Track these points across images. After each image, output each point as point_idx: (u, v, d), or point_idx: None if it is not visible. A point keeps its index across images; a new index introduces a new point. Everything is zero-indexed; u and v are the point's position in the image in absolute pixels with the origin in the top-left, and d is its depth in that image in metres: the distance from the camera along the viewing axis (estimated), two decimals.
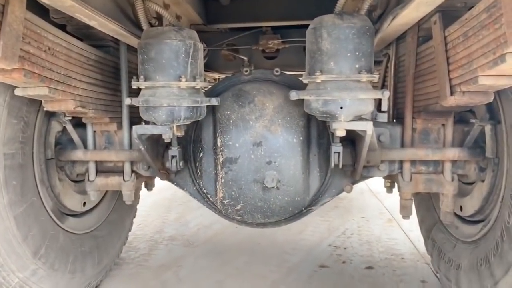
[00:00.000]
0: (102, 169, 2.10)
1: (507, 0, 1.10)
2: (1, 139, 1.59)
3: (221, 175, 1.83)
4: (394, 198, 4.02)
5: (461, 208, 1.98)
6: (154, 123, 1.65)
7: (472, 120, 1.77)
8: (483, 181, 1.80)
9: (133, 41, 1.84)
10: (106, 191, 2.43)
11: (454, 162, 1.88)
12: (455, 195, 1.91)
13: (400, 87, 2.05)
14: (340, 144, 1.68)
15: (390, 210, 4.06)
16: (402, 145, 1.92)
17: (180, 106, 1.59)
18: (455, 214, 2.04)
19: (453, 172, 1.90)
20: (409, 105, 1.88)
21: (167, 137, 1.66)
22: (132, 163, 2.06)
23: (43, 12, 1.59)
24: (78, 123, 2.03)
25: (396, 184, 2.12)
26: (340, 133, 1.56)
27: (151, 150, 1.79)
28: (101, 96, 1.88)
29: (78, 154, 2.02)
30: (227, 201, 1.86)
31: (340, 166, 1.69)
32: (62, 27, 1.72)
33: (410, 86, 1.88)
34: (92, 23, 1.54)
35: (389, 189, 2.22)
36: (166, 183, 2.11)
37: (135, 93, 1.76)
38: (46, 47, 1.46)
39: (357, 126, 1.54)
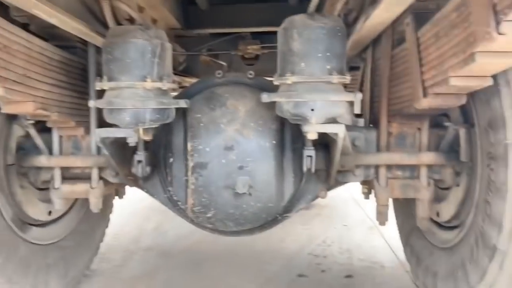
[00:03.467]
0: (69, 176, 2.01)
1: None
2: None
3: (191, 181, 1.75)
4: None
5: (437, 214, 1.94)
6: (118, 126, 1.58)
7: (447, 124, 1.75)
8: (458, 185, 1.77)
9: (100, 42, 1.77)
10: (75, 200, 2.33)
11: (430, 166, 1.85)
12: (432, 200, 1.87)
13: (377, 91, 2.02)
14: (313, 148, 1.63)
15: (372, 218, 4.02)
16: (378, 149, 1.88)
17: (146, 108, 1.52)
18: (432, 220, 2.00)
19: (429, 177, 1.86)
20: (384, 109, 1.84)
21: (132, 141, 1.58)
22: (100, 169, 1.97)
23: (2, 10, 1.51)
24: (44, 128, 1.94)
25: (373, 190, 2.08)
26: (312, 136, 1.51)
27: (117, 155, 1.71)
28: (66, 98, 1.80)
29: (42, 160, 1.92)
30: (197, 208, 1.79)
31: (313, 170, 1.63)
32: (24, 26, 1.65)
33: (385, 89, 1.85)
34: (52, 20, 1.46)
35: (366, 195, 2.17)
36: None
37: None
38: (1, 44, 1.38)
39: (329, 129, 1.49)
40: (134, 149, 1.86)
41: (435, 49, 1.39)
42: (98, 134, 1.56)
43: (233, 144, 1.72)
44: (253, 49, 2.94)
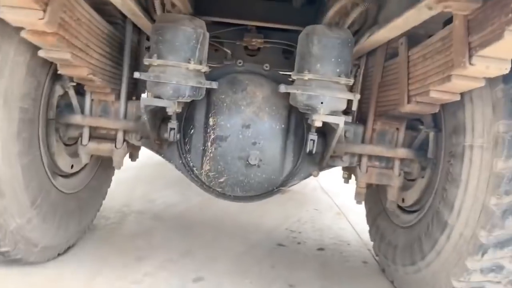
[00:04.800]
0: (95, 135, 2.27)
1: (456, 35, 1.48)
2: (19, 93, 1.75)
3: (210, 151, 2.09)
4: (342, 196, 4.46)
5: (403, 200, 2.39)
6: (159, 97, 1.88)
7: (421, 127, 2.18)
8: (423, 177, 2.22)
9: (142, 22, 2.05)
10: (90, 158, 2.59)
11: (402, 160, 2.28)
12: (400, 188, 2.31)
13: (366, 94, 2.43)
14: (316, 133, 2.01)
15: (339, 205, 4.50)
16: (363, 142, 2.29)
17: (187, 85, 1.83)
18: (397, 205, 2.45)
19: (400, 169, 2.29)
20: (372, 109, 2.25)
21: (170, 111, 1.89)
22: (124, 132, 2.26)
23: None
24: (77, 91, 2.20)
25: (352, 176, 2.50)
26: (318, 123, 1.89)
27: (151, 122, 2.01)
28: (107, 67, 2.07)
29: (77, 118, 2.18)
30: (212, 173, 2.13)
31: (314, 152, 2.02)
32: None
33: (375, 93, 2.25)
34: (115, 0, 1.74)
35: (346, 180, 2.59)
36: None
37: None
38: (76, 17, 1.64)
39: (333, 119, 1.87)
40: (162, 119, 2.17)
41: (421, 67, 1.80)
42: (142, 101, 1.86)
43: (250, 124, 2.07)
44: (257, 42, 3.26)
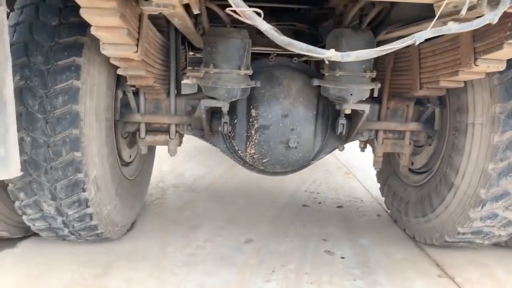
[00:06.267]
0: (150, 129, 2.64)
1: (464, 41, 1.86)
2: (104, 106, 2.09)
3: (255, 137, 2.48)
4: (347, 155, 4.91)
5: (412, 163, 2.86)
6: (215, 99, 2.23)
7: (428, 104, 2.60)
8: (430, 145, 2.67)
9: (189, 32, 2.35)
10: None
11: (412, 132, 2.72)
12: (410, 154, 2.77)
13: (379, 76, 2.80)
14: (345, 118, 2.42)
15: (345, 165, 5.00)
16: (379, 118, 2.70)
17: (238, 88, 2.19)
18: (408, 168, 2.93)
19: (410, 138, 2.74)
20: (386, 91, 2.65)
21: (224, 110, 2.26)
22: (175, 125, 2.62)
23: None
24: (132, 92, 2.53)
25: (368, 145, 2.94)
26: (348, 111, 2.29)
27: (207, 118, 2.39)
28: (161, 72, 2.40)
29: (137, 117, 2.53)
30: (257, 156, 2.54)
31: (344, 133, 2.44)
32: None
33: (388, 77, 2.64)
34: (175, 20, 2.04)
35: (362, 149, 3.03)
36: None
37: None
38: (149, 41, 1.96)
39: (360, 107, 2.27)
40: (211, 114, 2.53)
41: (431, 60, 2.18)
42: (203, 104, 2.22)
43: (288, 113, 2.45)
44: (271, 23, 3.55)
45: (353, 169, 4.84)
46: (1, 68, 1.31)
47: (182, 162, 4.74)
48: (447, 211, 2.39)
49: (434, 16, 1.83)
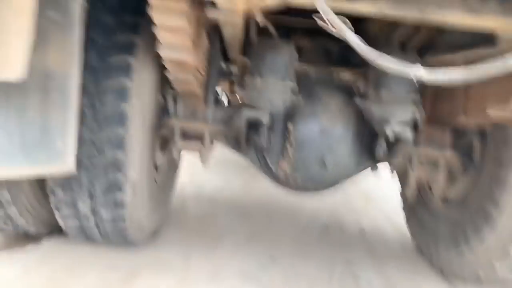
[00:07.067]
0: (184, 135, 2.62)
1: None
2: (149, 108, 2.09)
3: (289, 152, 2.45)
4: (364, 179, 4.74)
5: (444, 193, 2.79)
6: (255, 109, 2.22)
7: (468, 133, 2.56)
8: (465, 176, 2.61)
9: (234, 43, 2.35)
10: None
11: (447, 160, 2.66)
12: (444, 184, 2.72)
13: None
14: (385, 141, 2.37)
15: (363, 188, 4.96)
16: (414, 144, 2.64)
17: (282, 99, 2.19)
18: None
19: (445, 167, 2.68)
20: (425, 116, 2.61)
21: (265, 121, 2.24)
22: (210, 133, 2.60)
23: None
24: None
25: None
26: (390, 133, 2.26)
27: (245, 128, 2.36)
28: (204, 79, 2.40)
29: (173, 121, 2.51)
30: (290, 171, 2.50)
31: (382, 156, 2.40)
32: None
33: (428, 101, 2.60)
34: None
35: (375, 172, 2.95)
36: None
37: None
38: (202, 45, 1.96)
39: (403, 131, 2.24)
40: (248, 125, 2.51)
41: (476, 89, 2.15)
42: (244, 114, 2.20)
43: (325, 130, 2.43)
44: (303, 42, 3.56)
45: (372, 194, 4.78)
46: (69, 61, 1.30)
47: (199, 173, 4.70)
48: (483, 245, 2.31)
49: (491, 42, 1.83)
